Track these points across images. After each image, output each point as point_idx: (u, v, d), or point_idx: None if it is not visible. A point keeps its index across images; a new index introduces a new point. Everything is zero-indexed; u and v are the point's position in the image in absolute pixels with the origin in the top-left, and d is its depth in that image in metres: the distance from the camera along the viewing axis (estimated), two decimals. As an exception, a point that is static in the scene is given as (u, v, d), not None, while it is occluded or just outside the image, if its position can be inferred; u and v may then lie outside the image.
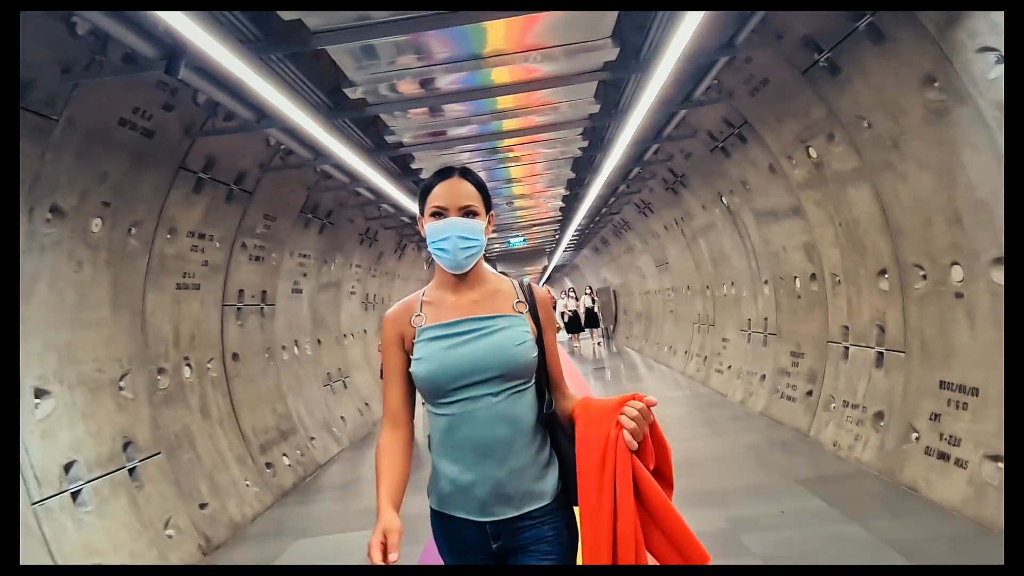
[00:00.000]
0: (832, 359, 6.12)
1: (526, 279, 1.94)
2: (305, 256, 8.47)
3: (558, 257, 23.11)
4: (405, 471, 1.76)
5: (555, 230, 17.10)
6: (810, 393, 6.46)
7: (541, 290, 1.91)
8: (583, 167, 9.13)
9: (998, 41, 3.33)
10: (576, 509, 1.71)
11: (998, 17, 3.29)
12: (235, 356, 6.61)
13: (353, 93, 5.00)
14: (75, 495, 4.11)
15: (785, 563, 3.77)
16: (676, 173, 9.16)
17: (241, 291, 6.79)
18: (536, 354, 1.78)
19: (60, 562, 3.79)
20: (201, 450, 5.60)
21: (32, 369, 3.99)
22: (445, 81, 5.06)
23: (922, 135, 4.17)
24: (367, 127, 6.38)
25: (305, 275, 8.58)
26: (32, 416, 3.95)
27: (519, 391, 1.74)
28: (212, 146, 5.40)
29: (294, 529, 5.59)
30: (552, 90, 5.48)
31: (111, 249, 4.65)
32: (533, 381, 1.78)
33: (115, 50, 3.87)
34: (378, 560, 1.51)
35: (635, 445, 1.58)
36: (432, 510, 1.80)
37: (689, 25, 3.75)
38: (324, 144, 5.33)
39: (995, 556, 3.45)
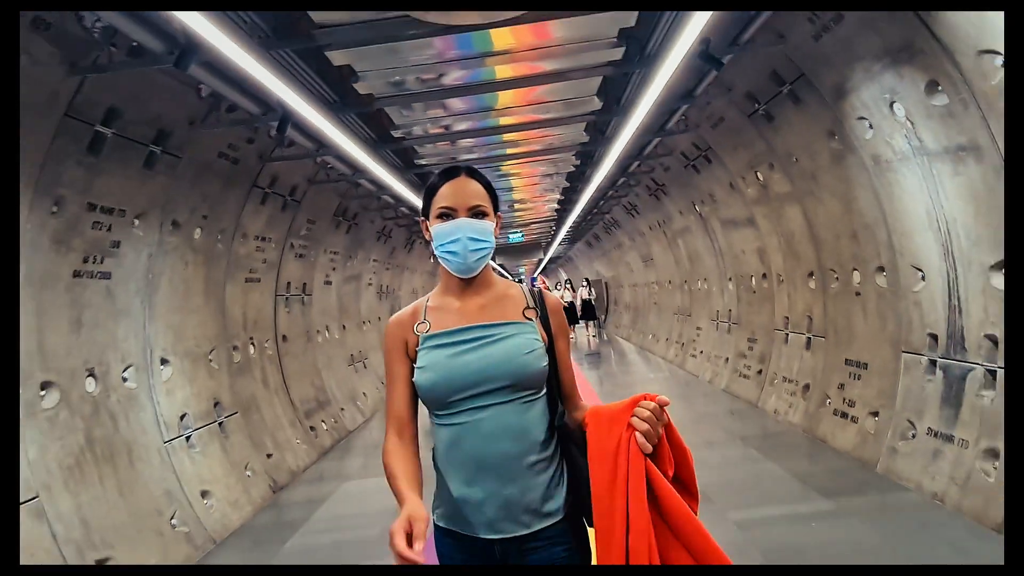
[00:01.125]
0: (776, 343, 7.49)
1: (537, 285, 1.77)
2: (335, 253, 9.78)
3: (553, 251, 24.45)
4: (419, 469, 1.66)
5: (551, 227, 18.43)
6: (760, 372, 7.84)
7: (553, 297, 1.82)
8: (575, 177, 10.47)
9: (868, 112, 4.66)
10: (591, 530, 1.61)
11: (871, 95, 4.59)
12: (284, 338, 7.93)
13: (362, 87, 6.04)
14: (188, 439, 5.45)
15: (723, 489, 5.11)
16: (658, 183, 10.49)
17: (288, 283, 8.11)
18: (546, 363, 1.68)
19: (186, 485, 5.13)
20: (264, 413, 6.93)
21: (159, 343, 5.31)
22: (452, 80, 5.24)
23: (830, 172, 5.51)
24: (377, 127, 7.68)
25: (334, 269, 9.90)
26: (160, 378, 5.28)
27: (528, 402, 1.65)
28: (276, 167, 6.70)
29: (339, 476, 6.94)
30: (552, 122, 6.79)
31: (205, 252, 5.97)
32: (544, 392, 1.69)
33: (225, 103, 5.16)
34: (401, 546, 1.32)
35: (649, 448, 1.48)
36: (436, 526, 1.70)
37: (663, 78, 4.91)
38: (359, 160, 6.57)
39: (866, 482, 4.85)
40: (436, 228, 1.69)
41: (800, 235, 6.51)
